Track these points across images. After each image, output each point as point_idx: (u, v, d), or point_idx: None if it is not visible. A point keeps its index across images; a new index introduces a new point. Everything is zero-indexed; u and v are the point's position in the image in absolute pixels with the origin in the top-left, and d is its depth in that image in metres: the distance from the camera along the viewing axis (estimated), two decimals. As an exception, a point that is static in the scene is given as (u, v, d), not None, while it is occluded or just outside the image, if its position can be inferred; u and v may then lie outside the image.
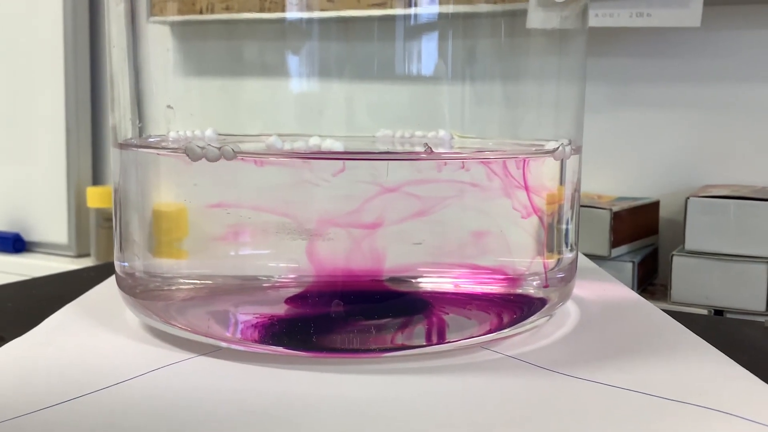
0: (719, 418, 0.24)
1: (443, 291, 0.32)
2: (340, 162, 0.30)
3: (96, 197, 0.96)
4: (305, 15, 0.32)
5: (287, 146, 0.30)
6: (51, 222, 1.03)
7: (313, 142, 0.31)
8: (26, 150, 1.04)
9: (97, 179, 1.05)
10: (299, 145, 0.31)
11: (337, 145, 0.31)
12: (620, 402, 0.25)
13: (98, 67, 1.02)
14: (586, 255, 0.59)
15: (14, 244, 1.03)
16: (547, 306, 0.33)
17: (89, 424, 0.23)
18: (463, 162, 0.31)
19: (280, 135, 0.33)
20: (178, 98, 0.35)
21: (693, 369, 0.29)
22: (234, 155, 0.29)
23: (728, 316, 0.64)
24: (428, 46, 0.31)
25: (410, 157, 0.32)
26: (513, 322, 0.31)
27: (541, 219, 0.33)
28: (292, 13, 0.32)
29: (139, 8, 0.34)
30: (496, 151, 0.34)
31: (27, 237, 1.05)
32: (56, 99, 1.01)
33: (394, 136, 0.37)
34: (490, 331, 0.31)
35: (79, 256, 1.02)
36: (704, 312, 0.64)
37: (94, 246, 0.98)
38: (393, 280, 0.31)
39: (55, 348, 0.30)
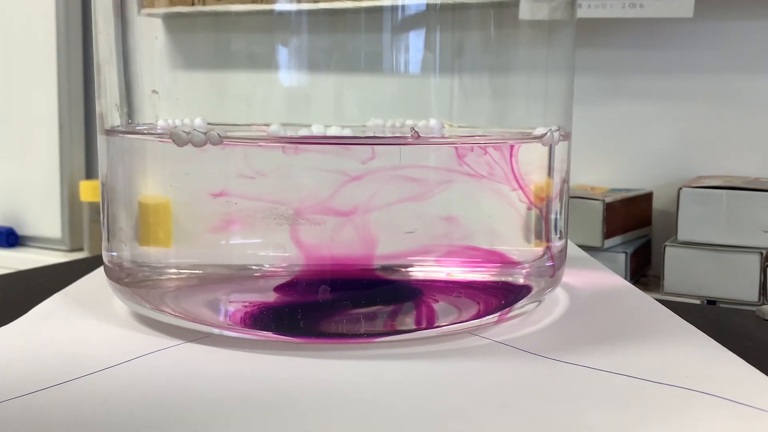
0: (705, 400, 0.24)
1: (433, 278, 0.32)
2: (369, 149, 0.30)
3: (89, 191, 0.96)
4: (294, 7, 0.32)
5: (291, 134, 0.30)
6: (44, 216, 1.02)
7: (317, 130, 0.31)
8: (19, 144, 1.03)
9: (90, 173, 1.05)
10: (304, 132, 0.31)
11: (347, 132, 0.31)
12: (607, 385, 0.26)
13: (91, 61, 1.02)
14: (579, 246, 0.59)
15: (8, 238, 1.02)
16: (535, 292, 0.33)
17: (77, 408, 0.23)
18: (448, 147, 0.31)
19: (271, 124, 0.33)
20: (167, 89, 0.35)
21: (680, 353, 0.29)
22: (220, 140, 0.29)
23: (721, 306, 0.64)
24: (417, 38, 0.31)
25: (397, 142, 0.32)
26: (501, 308, 0.31)
27: (530, 206, 0.33)
28: (281, 5, 0.32)
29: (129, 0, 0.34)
30: (485, 136, 0.34)
31: (20, 231, 1.04)
32: (49, 93, 1.00)
33: (384, 125, 0.37)
34: (478, 317, 0.31)
35: (73, 250, 1.01)
36: (697, 302, 0.64)
37: (88, 240, 0.98)
38: (382, 267, 0.31)
39: (42, 335, 0.30)
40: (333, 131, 0.31)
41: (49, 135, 1.01)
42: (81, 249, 1.01)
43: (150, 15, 0.35)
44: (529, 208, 0.33)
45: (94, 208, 0.96)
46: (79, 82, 1.02)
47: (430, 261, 0.32)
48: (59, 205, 1.01)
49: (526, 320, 0.33)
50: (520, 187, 0.32)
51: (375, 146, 0.31)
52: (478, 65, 0.34)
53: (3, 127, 1.04)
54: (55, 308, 0.34)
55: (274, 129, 0.30)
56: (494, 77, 0.35)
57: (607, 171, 0.81)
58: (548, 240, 0.34)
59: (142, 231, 0.33)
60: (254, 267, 0.31)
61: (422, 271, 0.32)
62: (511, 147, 0.32)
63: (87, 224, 0.98)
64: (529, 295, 0.33)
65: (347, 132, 0.31)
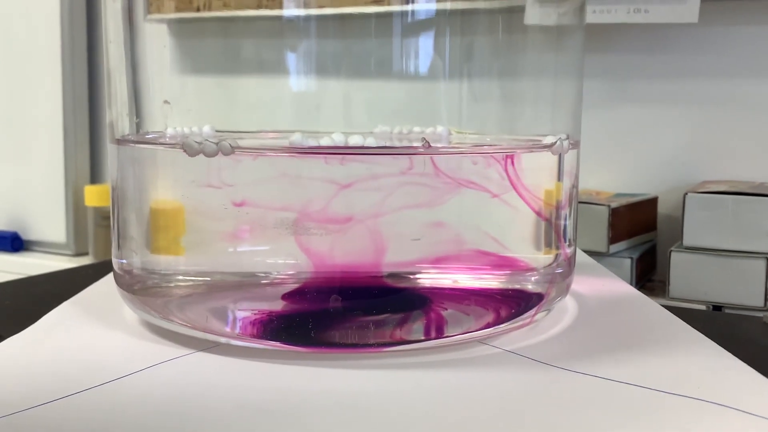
0: (716, 410, 0.24)
1: (442, 287, 0.32)
2: (408, 159, 0.30)
3: (94, 196, 0.96)
4: (302, 12, 0.32)
5: (312, 143, 0.30)
6: (49, 221, 1.02)
7: (338, 139, 0.31)
8: (24, 149, 1.04)
9: (94, 178, 1.05)
10: (325, 141, 0.31)
11: (370, 141, 0.31)
12: (617, 395, 0.25)
13: (95, 65, 1.02)
14: (585, 251, 0.59)
15: (12, 243, 1.03)
16: (545, 301, 0.33)
17: (87, 420, 0.23)
18: (458, 157, 0.31)
19: (279, 131, 0.33)
20: (176, 95, 0.35)
21: (690, 362, 0.29)
22: (231, 150, 0.29)
23: (727, 311, 0.64)
24: (426, 43, 0.31)
25: (408, 151, 0.32)
26: (511, 317, 0.31)
27: (539, 214, 0.33)
28: (289, 10, 0.32)
29: (136, 5, 0.34)
30: (495, 145, 0.34)
31: (25, 236, 1.05)
32: (54, 98, 1.01)
33: (392, 132, 0.37)
34: (488, 326, 0.31)
35: (77, 254, 1.01)
36: (703, 308, 0.64)
37: (92, 245, 0.98)
38: (391, 275, 0.31)
39: (52, 345, 0.30)
40: (355, 140, 0.31)
41: (53, 140, 1.01)
42: (86, 253, 1.01)
43: (156, 21, 0.35)
44: (537, 216, 0.33)
45: (98, 212, 0.96)
46: (83, 87, 1.02)
47: (440, 269, 0.32)
48: (64, 210, 1.02)
49: (535, 329, 0.33)
50: (529, 196, 0.32)
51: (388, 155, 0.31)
52: (486, 71, 0.34)
53: (8, 132, 1.05)
54: (64, 317, 0.34)
55: (297, 138, 0.30)
56: (503, 83, 0.35)
57: (612, 176, 0.81)
58: (557, 248, 0.34)
59: (153, 239, 0.33)
60: (263, 275, 0.31)
61: (431, 278, 0.32)
62: (522, 156, 0.32)
63: (92, 229, 0.98)
64: (541, 303, 0.33)
65: (370, 140, 0.31)
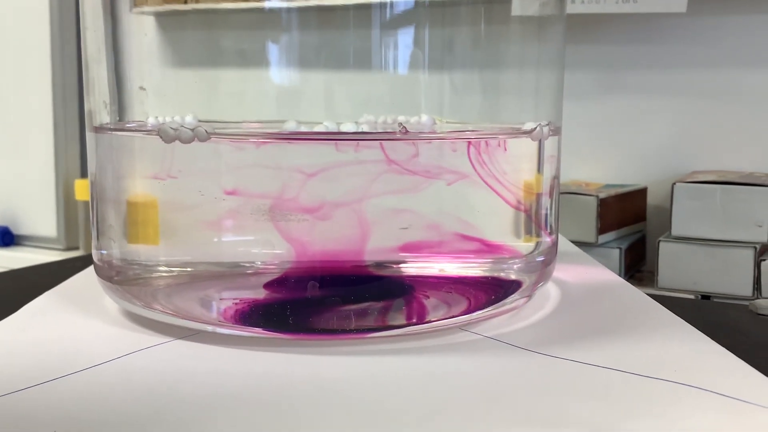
0: (694, 393, 0.24)
1: (423, 274, 0.32)
2: (414, 147, 0.30)
3: (84, 190, 0.96)
4: (284, 4, 0.32)
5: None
6: (40, 215, 1.02)
7: (331, 126, 0.31)
8: (14, 143, 1.03)
9: (85, 172, 1.05)
10: (320, 129, 0.31)
11: (364, 127, 0.31)
12: (597, 379, 0.26)
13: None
14: (573, 242, 0.59)
15: (3, 237, 1.02)
16: (524, 287, 0.33)
17: (67, 405, 0.23)
18: (436, 143, 0.31)
19: (262, 122, 0.33)
20: (159, 86, 0.35)
21: (670, 347, 0.29)
22: (208, 136, 0.29)
23: (715, 300, 0.64)
24: (407, 34, 0.31)
25: (385, 137, 0.32)
26: (491, 303, 0.31)
27: (519, 201, 0.33)
28: (271, 2, 0.32)
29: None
30: (474, 131, 0.34)
31: (16, 230, 1.04)
32: (44, 92, 1.00)
33: (376, 121, 0.37)
34: (468, 312, 0.31)
35: (68, 248, 1.01)
36: (691, 297, 0.64)
37: (83, 239, 0.98)
38: (372, 263, 0.31)
39: (32, 333, 0.30)
40: (348, 127, 0.31)
41: (44, 134, 1.01)
42: (76, 248, 1.01)
43: (142, 13, 0.35)
44: (517, 204, 0.33)
45: (89, 206, 0.96)
46: (73, 81, 1.02)
47: (420, 257, 0.32)
48: (54, 204, 1.01)
49: (516, 316, 0.33)
50: (509, 182, 0.32)
51: (377, 141, 0.31)
52: (468, 61, 0.34)
53: (-2, 126, 1.04)
54: (45, 306, 0.34)
55: (291, 126, 0.30)
56: (484, 73, 0.35)
57: (601, 166, 0.81)
58: (538, 235, 0.34)
59: (131, 229, 0.33)
60: (245, 264, 0.31)
61: (412, 266, 0.32)
62: (502, 142, 0.32)
63: (82, 223, 0.98)
64: (519, 290, 0.33)
65: (364, 128, 0.31)
